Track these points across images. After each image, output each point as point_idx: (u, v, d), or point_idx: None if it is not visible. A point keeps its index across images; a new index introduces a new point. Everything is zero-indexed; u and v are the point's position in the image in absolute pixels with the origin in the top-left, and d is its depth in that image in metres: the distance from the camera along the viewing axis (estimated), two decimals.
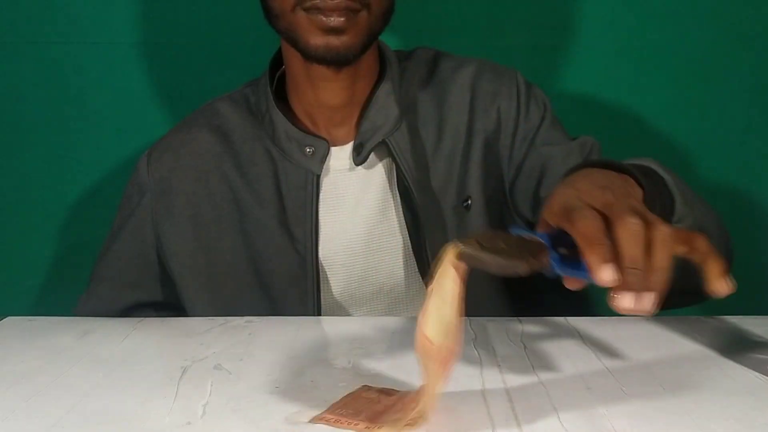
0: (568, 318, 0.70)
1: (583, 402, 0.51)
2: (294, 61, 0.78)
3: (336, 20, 0.70)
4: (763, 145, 1.09)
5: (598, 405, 0.50)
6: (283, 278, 0.78)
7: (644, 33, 1.07)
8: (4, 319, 0.68)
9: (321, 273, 0.78)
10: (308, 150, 0.78)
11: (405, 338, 0.65)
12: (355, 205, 0.79)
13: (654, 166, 0.64)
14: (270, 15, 0.75)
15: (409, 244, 0.80)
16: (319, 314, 0.77)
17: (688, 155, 1.11)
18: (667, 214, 0.60)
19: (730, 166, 1.11)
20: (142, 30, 1.02)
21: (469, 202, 0.81)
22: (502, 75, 0.85)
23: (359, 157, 0.78)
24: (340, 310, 0.80)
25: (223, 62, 1.03)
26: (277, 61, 0.83)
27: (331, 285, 0.79)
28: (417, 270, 0.80)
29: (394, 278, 0.80)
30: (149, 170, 0.82)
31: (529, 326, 0.67)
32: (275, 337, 0.63)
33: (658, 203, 0.58)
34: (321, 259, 0.78)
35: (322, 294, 0.78)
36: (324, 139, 0.79)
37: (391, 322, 0.70)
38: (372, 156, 0.79)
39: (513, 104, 0.83)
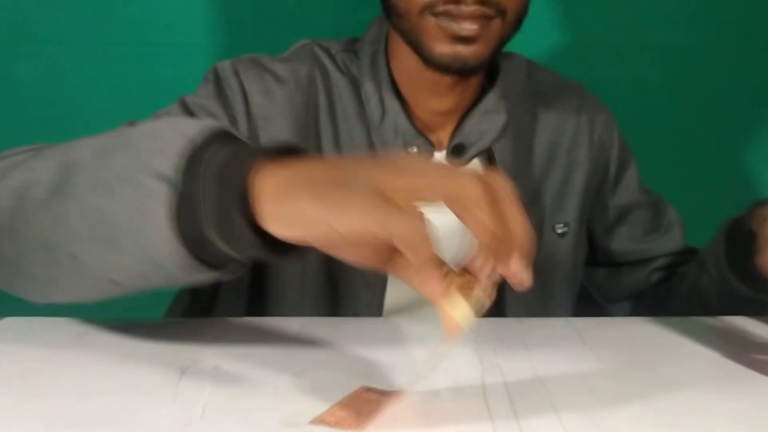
0: (569, 318, 0.70)
1: (583, 402, 0.51)
2: (409, 62, 0.72)
3: (469, 28, 0.65)
4: (763, 144, 1.09)
5: (598, 405, 0.50)
6: (352, 274, 0.74)
7: (644, 33, 1.07)
8: (3, 320, 0.68)
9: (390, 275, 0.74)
10: (412, 149, 0.73)
11: (407, 340, 0.65)
12: (437, 211, 0.77)
13: None
14: (391, 12, 0.69)
15: None
16: (381, 314, 0.75)
17: (687, 155, 1.11)
18: None
19: (730, 166, 1.11)
20: (141, 30, 1.02)
21: (567, 229, 0.79)
22: (600, 107, 0.85)
23: (459, 159, 0.73)
24: (404, 310, 0.78)
25: None
26: (374, 41, 0.76)
27: (399, 288, 0.76)
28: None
29: None
30: (242, 80, 0.72)
31: (530, 326, 0.67)
32: (275, 338, 0.63)
33: None
34: None
35: (387, 294, 0.75)
36: (431, 142, 0.74)
37: (394, 323, 0.70)
38: (472, 163, 0.75)
39: (608, 140, 0.84)
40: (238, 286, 0.77)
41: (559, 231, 0.80)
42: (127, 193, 0.48)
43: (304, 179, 0.45)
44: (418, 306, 0.78)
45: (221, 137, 0.49)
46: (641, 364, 0.59)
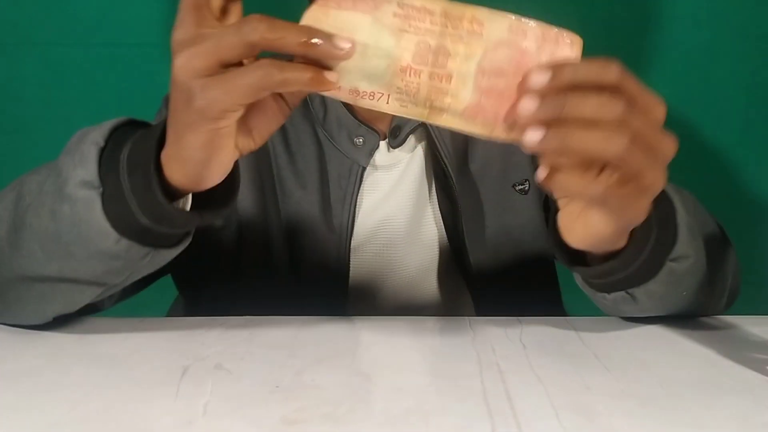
0: (568, 317, 0.70)
1: (582, 401, 0.51)
2: None
3: None
4: (760, 144, 1.09)
5: (597, 404, 0.51)
6: (315, 267, 0.76)
7: (644, 33, 1.07)
8: None
9: (351, 263, 0.77)
10: (358, 140, 0.77)
11: (407, 339, 0.65)
12: (391, 196, 0.78)
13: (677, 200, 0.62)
14: None
15: (444, 234, 0.78)
16: (345, 304, 0.76)
17: (685, 155, 1.11)
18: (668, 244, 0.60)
19: (728, 166, 1.11)
20: (144, 31, 1.03)
21: (527, 186, 0.79)
22: None
23: (396, 140, 0.77)
24: (367, 300, 0.79)
25: None
26: None
27: (360, 275, 0.78)
28: (453, 259, 0.78)
29: (426, 271, 0.79)
30: None
31: (528, 326, 0.67)
32: (275, 337, 0.63)
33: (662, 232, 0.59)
34: (353, 248, 0.77)
35: (350, 284, 0.77)
36: (375, 131, 0.77)
37: (394, 322, 0.70)
38: (410, 143, 0.78)
39: None
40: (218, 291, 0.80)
41: (519, 188, 0.79)
42: (64, 210, 0.54)
43: (170, 134, 0.50)
44: (380, 290, 0.79)
45: (125, 131, 0.55)
46: (639, 363, 0.59)
